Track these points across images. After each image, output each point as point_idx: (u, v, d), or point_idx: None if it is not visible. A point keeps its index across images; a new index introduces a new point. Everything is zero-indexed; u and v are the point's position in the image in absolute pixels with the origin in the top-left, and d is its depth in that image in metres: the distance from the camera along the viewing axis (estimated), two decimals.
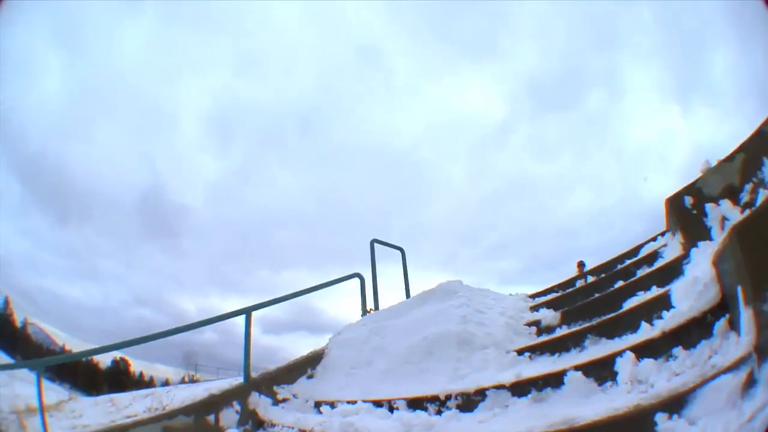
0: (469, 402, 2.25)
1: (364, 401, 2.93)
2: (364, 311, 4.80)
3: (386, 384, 3.14)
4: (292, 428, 3.20)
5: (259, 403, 3.76)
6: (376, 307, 4.85)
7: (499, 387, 2.14)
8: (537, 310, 3.47)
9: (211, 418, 3.75)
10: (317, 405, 3.56)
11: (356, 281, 4.97)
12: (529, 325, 3.20)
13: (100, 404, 7.01)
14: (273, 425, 3.52)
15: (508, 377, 2.18)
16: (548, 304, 3.51)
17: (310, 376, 4.10)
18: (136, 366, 31.08)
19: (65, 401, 6.60)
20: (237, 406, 3.78)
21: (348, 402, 3.05)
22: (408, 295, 5.07)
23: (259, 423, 3.71)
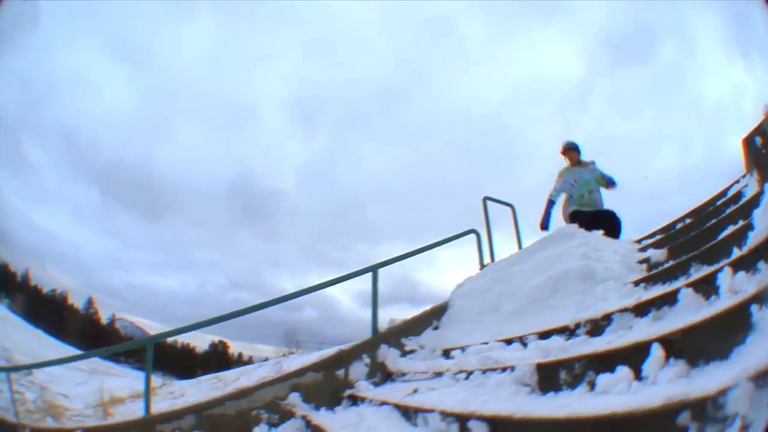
0: (596, 327, 2.50)
1: (496, 341, 3.14)
2: (482, 264, 5.03)
3: (514, 324, 3.38)
4: (425, 373, 3.38)
5: (388, 355, 3.99)
6: (493, 261, 5.16)
7: (623, 310, 2.38)
8: (644, 251, 3.70)
9: (340, 372, 3.96)
10: (446, 352, 3.74)
11: (471, 237, 5.33)
12: (640, 262, 3.44)
13: (203, 383, 7.12)
14: (403, 374, 3.73)
15: (630, 302, 2.42)
16: (654, 245, 3.76)
17: (436, 327, 4.31)
18: (234, 347, 31.75)
19: (159, 387, 6.75)
20: (366, 359, 4.00)
21: (479, 344, 3.24)
22: (521, 247, 5.44)
23: (388, 374, 3.93)
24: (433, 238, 4.90)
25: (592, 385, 1.72)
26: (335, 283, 4.44)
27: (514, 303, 3.59)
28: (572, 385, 1.85)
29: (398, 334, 4.21)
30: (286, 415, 3.64)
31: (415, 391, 2.86)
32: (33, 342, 23.36)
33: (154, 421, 3.56)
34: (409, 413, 2.55)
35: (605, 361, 1.73)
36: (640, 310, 2.29)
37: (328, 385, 3.89)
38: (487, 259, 5.28)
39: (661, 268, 2.93)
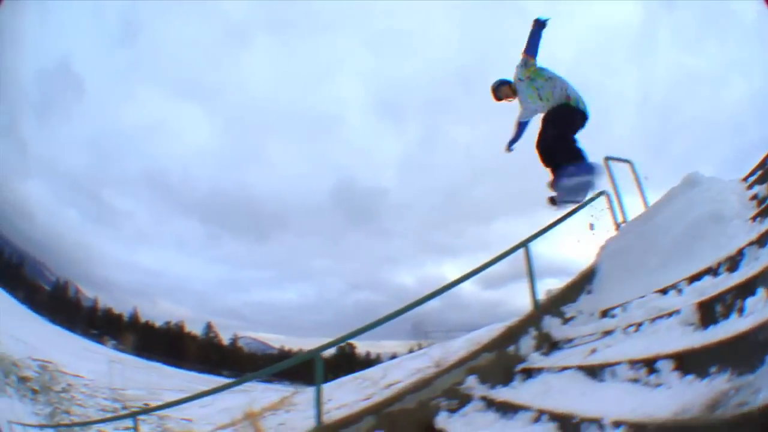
0: (733, 262, 2.87)
1: (652, 293, 3.44)
2: (618, 225, 5.36)
3: (663, 275, 3.67)
4: (593, 335, 3.64)
5: (551, 324, 4.25)
6: (625, 219, 5.40)
7: (750, 244, 2.79)
8: (751, 188, 3.97)
9: (511, 349, 4.17)
10: (605, 313, 3.96)
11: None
12: (751, 199, 3.77)
13: (345, 385, 7.44)
14: (569, 340, 3.99)
15: (754, 235, 2.85)
16: (757, 181, 4.05)
17: (589, 292, 4.50)
18: (361, 347, 33.35)
19: (289, 396, 7.29)
20: (532, 332, 4.22)
21: (638, 299, 3.54)
22: (646, 203, 5.54)
23: (554, 344, 4.15)
24: (544, 210, 4.98)
25: (741, 310, 2.21)
26: (490, 266, 4.60)
27: (659, 256, 3.92)
28: (726, 314, 2.34)
29: (556, 304, 4.42)
30: (465, 399, 3.76)
31: (593, 351, 3.16)
32: (150, 375, 25.00)
33: (331, 428, 3.62)
34: (594, 371, 2.79)
35: (748, 288, 2.21)
36: (762, 241, 2.70)
37: (500, 363, 4.06)
38: (620, 218, 5.42)
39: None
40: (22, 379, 17.19)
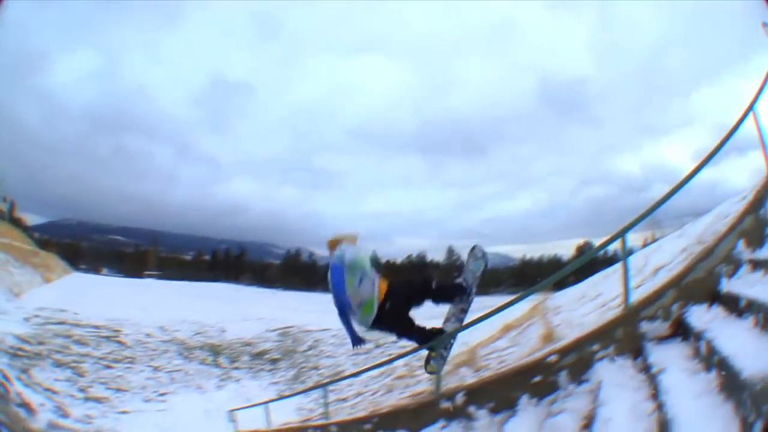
0: None
1: None
2: None
3: None
4: None
5: None
6: None
7: None
8: None
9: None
10: None
11: None
12: None
13: (609, 276, 6.99)
14: None
15: None
16: None
17: None
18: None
19: (539, 303, 6.56)
20: None
21: None
22: None
23: None
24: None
25: None
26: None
27: None
28: None
29: None
30: (738, 263, 3.62)
31: None
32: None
33: (635, 309, 3.53)
34: None
35: None
36: None
37: (759, 223, 3.83)
38: None
39: None
40: (258, 355, 19.32)
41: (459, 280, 4.76)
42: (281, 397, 10.74)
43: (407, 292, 4.33)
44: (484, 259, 4.89)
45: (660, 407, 2.13)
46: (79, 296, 29.26)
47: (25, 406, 10.31)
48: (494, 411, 3.66)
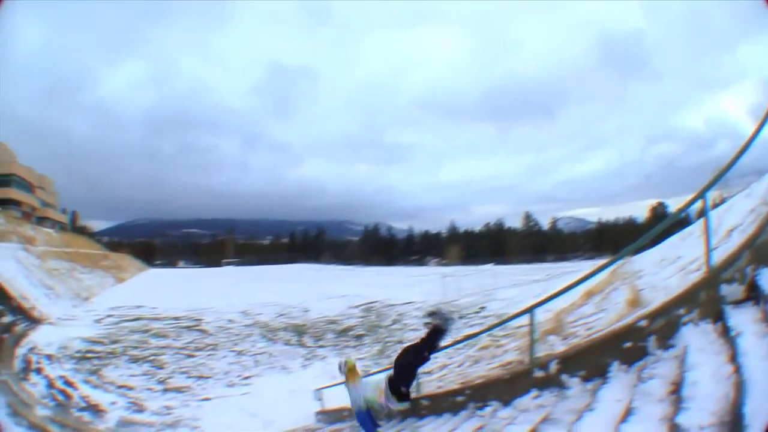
0: None
1: None
2: None
3: None
4: None
5: None
6: None
7: None
8: None
9: None
10: None
11: None
12: None
13: (686, 238, 7.05)
14: None
15: None
16: None
17: None
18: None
19: (617, 268, 6.45)
20: None
21: None
22: None
23: None
24: None
25: None
26: None
27: None
28: None
29: None
30: None
31: None
32: (481, 279, 26.34)
33: (716, 272, 3.47)
34: None
35: None
36: None
37: None
38: None
39: None
40: (342, 332, 19.27)
41: (434, 322, 4.97)
42: (369, 374, 10.56)
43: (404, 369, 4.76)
44: (447, 322, 5.01)
45: (737, 370, 2.28)
46: (157, 291, 33.58)
47: (92, 408, 10.53)
48: (586, 378, 3.72)
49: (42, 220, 51.79)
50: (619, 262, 5.94)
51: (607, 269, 5.12)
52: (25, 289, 20.84)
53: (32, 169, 50.44)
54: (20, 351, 13.91)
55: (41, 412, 8.67)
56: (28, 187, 48.60)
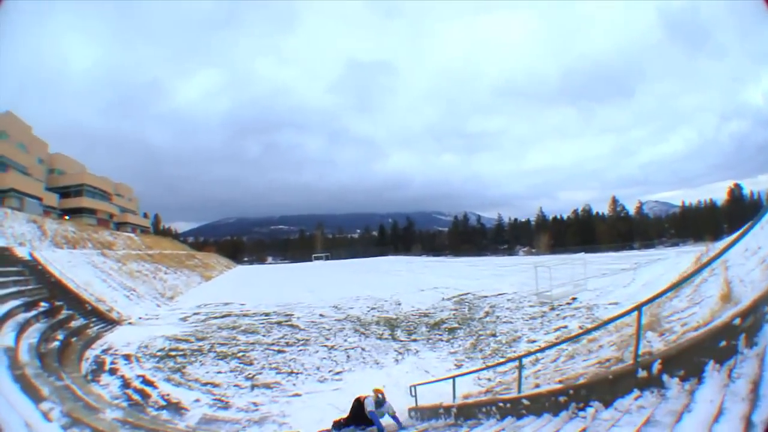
0: None
1: None
2: None
3: None
4: None
5: None
6: None
7: None
8: None
9: None
10: None
11: None
12: None
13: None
14: None
15: None
16: None
17: None
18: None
19: (701, 254, 6.14)
20: None
21: None
22: None
23: None
24: None
25: None
26: None
27: None
28: None
29: None
30: None
31: None
32: (572, 268, 25.21)
33: None
34: None
35: None
36: None
37: None
38: None
39: None
40: (435, 325, 18.60)
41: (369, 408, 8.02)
42: (466, 372, 10.38)
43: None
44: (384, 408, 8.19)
45: None
46: (245, 288, 34.05)
47: (172, 406, 10.42)
48: (684, 378, 3.65)
49: (122, 225, 53.85)
50: (698, 249, 5.82)
51: (687, 255, 5.14)
52: (101, 292, 21.05)
53: (107, 178, 52.03)
54: (91, 353, 14.03)
55: (111, 415, 8.46)
56: (102, 195, 49.76)
